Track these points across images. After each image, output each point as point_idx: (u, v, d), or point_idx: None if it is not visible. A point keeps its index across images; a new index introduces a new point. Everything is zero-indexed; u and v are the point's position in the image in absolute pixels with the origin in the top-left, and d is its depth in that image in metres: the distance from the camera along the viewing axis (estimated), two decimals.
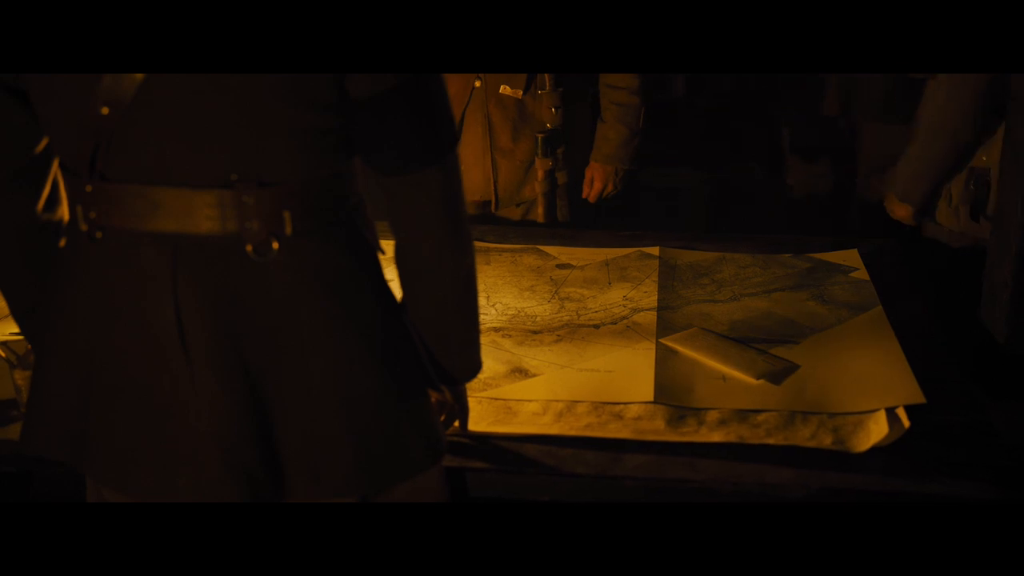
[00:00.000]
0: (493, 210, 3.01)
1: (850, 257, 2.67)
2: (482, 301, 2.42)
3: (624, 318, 2.34)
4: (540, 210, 3.00)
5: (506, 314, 2.37)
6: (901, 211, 2.88)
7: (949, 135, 2.68)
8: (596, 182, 3.04)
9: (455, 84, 2.90)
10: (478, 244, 2.74)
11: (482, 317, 2.34)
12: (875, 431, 1.84)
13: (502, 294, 2.48)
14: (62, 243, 1.54)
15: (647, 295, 2.45)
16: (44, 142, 1.51)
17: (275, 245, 1.41)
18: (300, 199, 1.42)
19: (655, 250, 2.71)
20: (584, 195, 3.05)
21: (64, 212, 1.58)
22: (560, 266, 2.64)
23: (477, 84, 2.91)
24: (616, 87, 2.98)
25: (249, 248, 1.41)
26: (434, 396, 1.62)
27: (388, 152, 1.44)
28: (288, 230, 1.41)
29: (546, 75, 2.87)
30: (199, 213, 1.39)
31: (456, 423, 1.78)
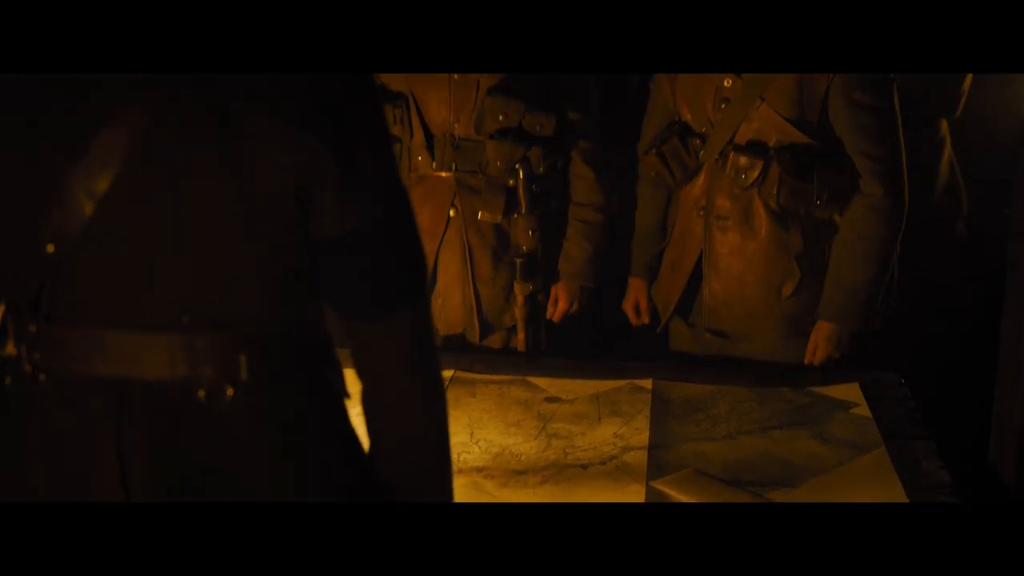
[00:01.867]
0: (477, 341, 2.92)
1: (851, 391, 2.56)
2: (465, 438, 2.32)
3: (614, 458, 2.22)
4: (521, 336, 2.91)
5: (490, 452, 2.26)
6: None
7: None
8: (560, 301, 2.96)
9: (430, 215, 2.84)
10: (464, 375, 2.64)
11: (465, 455, 2.23)
12: None
13: (487, 430, 2.37)
14: (8, 381, 1.44)
15: (638, 432, 2.34)
16: None
17: (229, 391, 1.31)
18: (257, 343, 1.32)
19: (647, 382, 2.61)
20: (548, 315, 2.96)
21: (12, 348, 1.49)
22: (549, 399, 2.54)
23: (452, 213, 2.85)
24: (581, 204, 2.92)
25: (201, 394, 1.31)
26: None
27: (354, 295, 1.36)
28: (244, 375, 1.32)
29: (522, 198, 2.81)
30: (147, 357, 1.30)
31: None
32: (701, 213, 2.82)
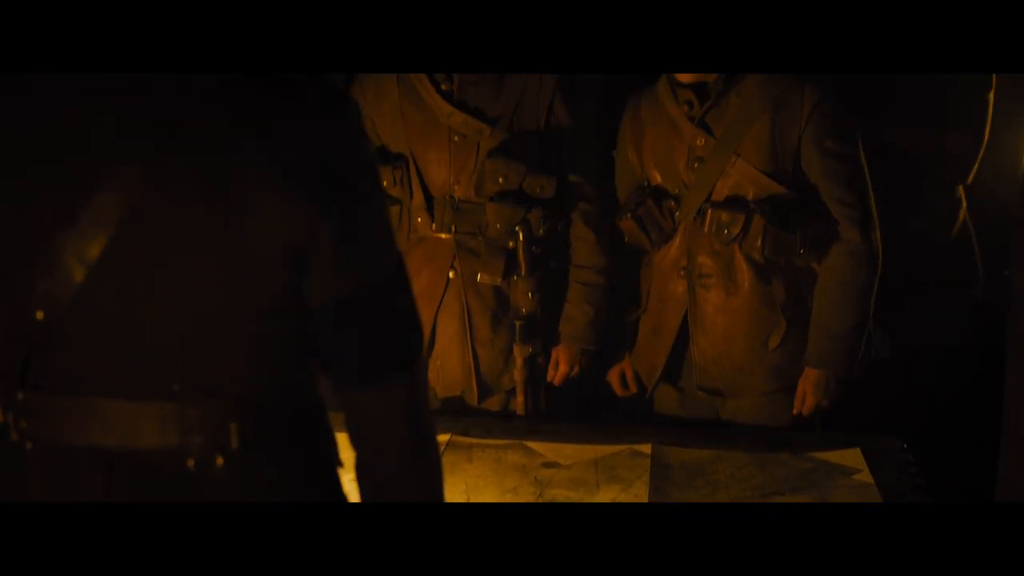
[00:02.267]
0: (475, 403, 2.90)
1: (852, 457, 2.53)
2: None
3: None
4: (520, 399, 2.89)
5: None
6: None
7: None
8: (561, 364, 2.94)
9: (429, 277, 2.84)
10: (461, 440, 2.61)
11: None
12: None
13: (484, 496, 2.33)
14: None
15: (637, 499, 2.31)
16: None
17: (219, 460, 1.29)
18: (249, 410, 1.30)
19: (647, 447, 2.58)
20: (549, 378, 2.94)
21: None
22: (546, 464, 2.51)
23: (451, 275, 2.84)
24: (582, 266, 2.91)
25: (191, 463, 1.29)
26: None
27: (348, 361, 1.34)
28: (234, 444, 1.30)
29: (522, 260, 2.80)
30: (137, 426, 1.28)
31: None
32: (682, 273, 2.83)
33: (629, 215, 2.83)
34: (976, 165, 3.31)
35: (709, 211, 2.76)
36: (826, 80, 2.73)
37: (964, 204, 3.38)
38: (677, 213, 2.82)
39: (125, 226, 1.25)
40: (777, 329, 2.80)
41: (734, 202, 2.76)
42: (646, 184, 2.87)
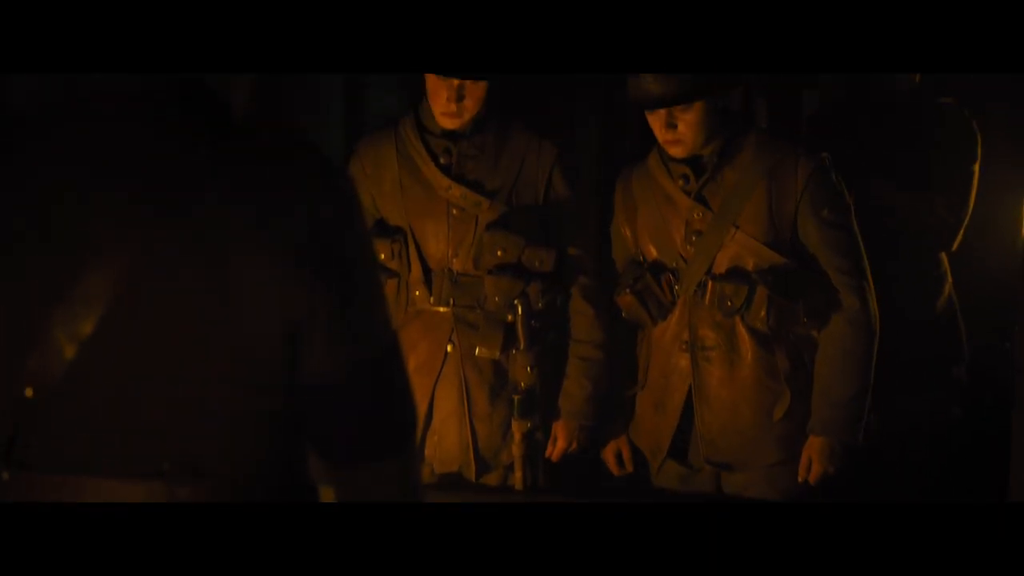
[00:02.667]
0: (473, 479, 2.86)
1: None
2: None
3: None
4: (518, 475, 2.85)
5: None
6: None
7: None
8: (559, 440, 2.90)
9: (427, 350, 2.82)
10: None
11: None
12: None
13: None
14: None
15: None
16: None
17: None
18: (238, 492, 1.28)
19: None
20: (547, 453, 2.90)
21: None
22: None
23: (449, 349, 2.82)
24: (581, 341, 2.89)
25: None
26: None
27: (340, 442, 1.32)
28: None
29: (521, 334, 2.78)
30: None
31: None
32: (683, 347, 2.82)
33: (628, 290, 2.82)
34: (961, 231, 3.29)
35: (710, 283, 2.76)
36: (817, 149, 2.78)
37: (949, 279, 3.35)
38: (676, 287, 2.81)
39: (118, 303, 1.23)
40: (781, 400, 2.79)
41: (736, 274, 2.76)
42: (641, 259, 2.87)
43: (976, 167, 3.26)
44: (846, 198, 2.79)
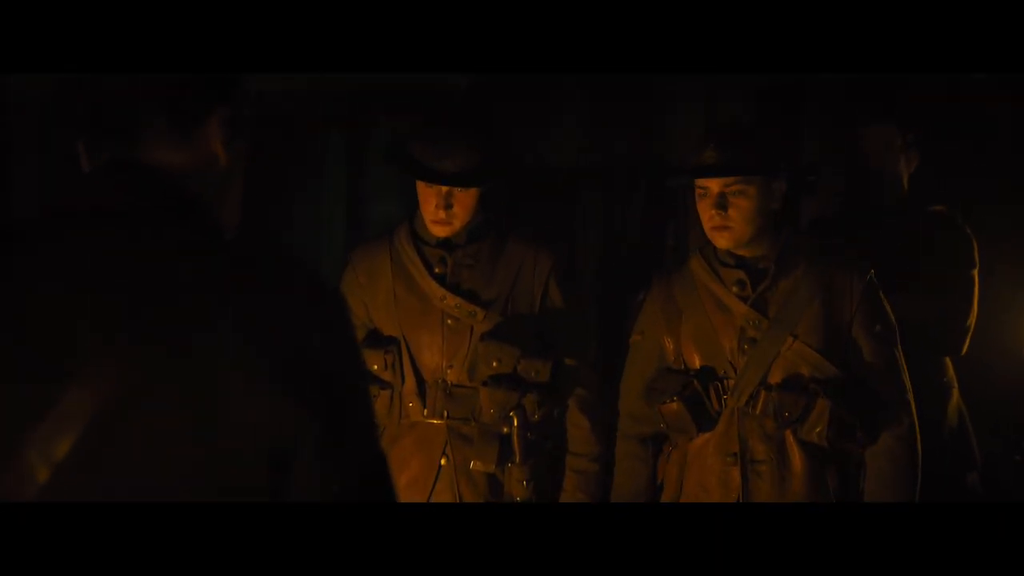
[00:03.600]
0: None
1: None
2: None
3: None
4: None
5: None
6: None
7: None
8: None
9: (420, 464, 2.75)
10: None
11: None
12: None
13: None
14: None
15: None
16: None
17: None
18: None
19: None
20: None
21: None
22: None
23: (443, 462, 2.76)
24: (577, 454, 2.82)
25: None
26: None
27: None
28: None
29: (517, 447, 2.72)
30: None
31: None
32: (732, 459, 2.69)
33: (676, 398, 2.70)
34: (969, 336, 3.24)
35: (763, 393, 2.66)
36: (867, 265, 2.73)
37: (956, 385, 3.29)
38: (726, 396, 2.71)
39: (96, 425, 1.19)
40: None
41: (793, 384, 2.66)
42: (682, 368, 2.76)
43: (975, 273, 3.24)
44: (891, 314, 2.73)
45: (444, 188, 2.69)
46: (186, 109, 1.28)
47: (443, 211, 2.70)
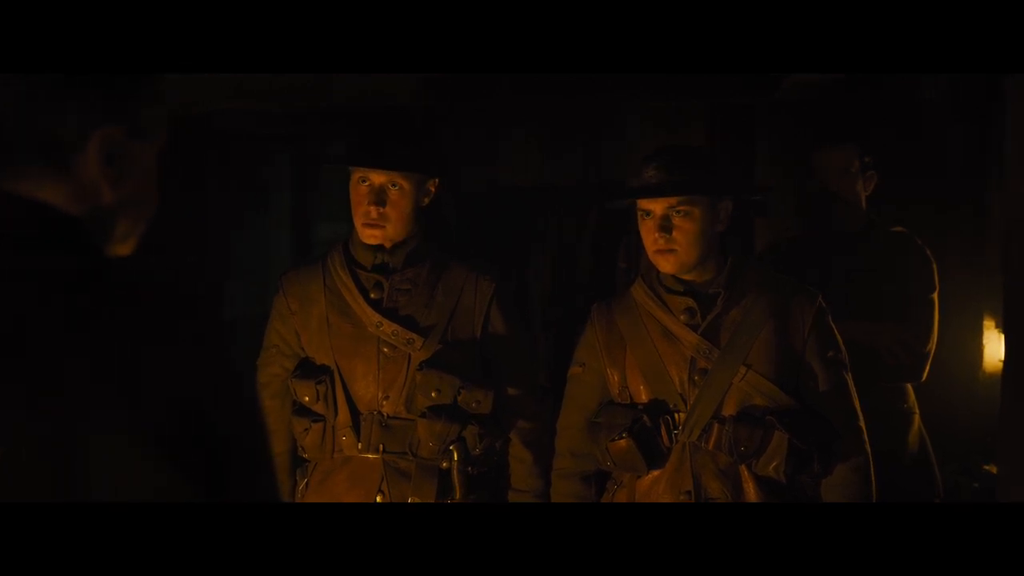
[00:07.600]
0: None
1: None
2: None
3: None
4: None
5: None
6: None
7: None
8: None
9: (353, 501, 2.59)
10: None
11: None
12: None
13: None
14: None
15: None
16: None
17: None
18: None
19: None
20: None
21: None
22: None
23: (379, 499, 2.61)
24: (520, 490, 2.71)
25: None
26: None
27: None
28: None
29: (456, 482, 2.60)
30: None
31: None
32: (683, 498, 2.50)
33: (626, 435, 2.50)
34: (929, 361, 3.16)
35: (716, 427, 2.49)
36: (815, 291, 2.58)
37: (917, 411, 3.21)
38: (676, 431, 2.53)
39: None
40: None
41: (748, 416, 2.49)
42: (629, 401, 2.58)
43: (935, 296, 3.17)
44: (840, 339, 2.59)
45: (376, 181, 2.55)
46: (61, 134, 1.14)
47: (374, 208, 2.55)
